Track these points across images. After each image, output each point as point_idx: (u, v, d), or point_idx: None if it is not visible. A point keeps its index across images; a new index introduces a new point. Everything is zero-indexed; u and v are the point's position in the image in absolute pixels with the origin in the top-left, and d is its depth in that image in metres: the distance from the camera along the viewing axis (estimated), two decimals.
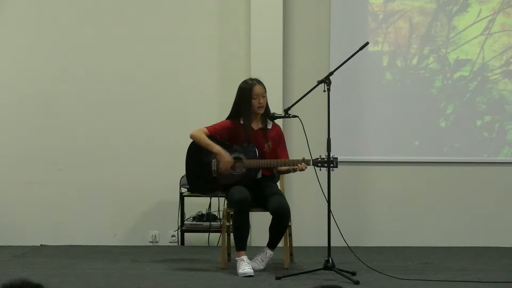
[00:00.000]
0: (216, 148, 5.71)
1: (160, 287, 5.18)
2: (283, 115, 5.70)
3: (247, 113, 5.76)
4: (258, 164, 5.70)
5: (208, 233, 7.10)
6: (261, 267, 5.71)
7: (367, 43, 5.57)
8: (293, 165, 5.63)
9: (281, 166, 5.74)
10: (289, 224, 5.77)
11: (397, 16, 7.28)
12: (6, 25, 7.38)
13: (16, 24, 7.36)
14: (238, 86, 5.85)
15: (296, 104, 5.65)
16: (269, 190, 5.73)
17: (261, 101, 5.73)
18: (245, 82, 5.83)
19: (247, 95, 5.73)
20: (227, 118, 5.87)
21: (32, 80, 7.34)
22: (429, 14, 7.28)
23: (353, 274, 5.39)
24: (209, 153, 5.76)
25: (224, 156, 5.69)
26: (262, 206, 5.73)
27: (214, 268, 5.83)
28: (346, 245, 5.60)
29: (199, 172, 5.80)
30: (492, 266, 6.05)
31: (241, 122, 5.79)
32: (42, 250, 6.97)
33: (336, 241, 5.67)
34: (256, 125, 5.83)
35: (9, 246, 7.10)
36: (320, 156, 5.53)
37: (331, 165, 5.45)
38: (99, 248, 6.98)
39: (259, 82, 5.78)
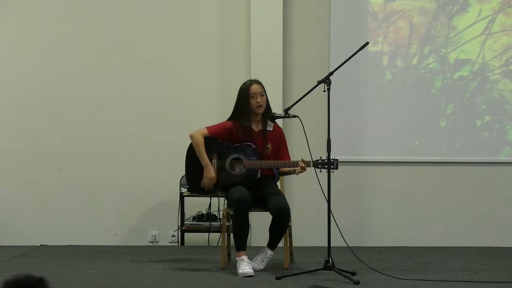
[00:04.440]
0: (205, 162, 5.73)
1: (160, 287, 5.18)
2: (283, 115, 5.70)
3: (246, 113, 5.77)
4: (258, 164, 5.71)
5: (208, 233, 7.11)
6: (261, 267, 5.71)
7: (367, 43, 5.56)
8: (293, 166, 5.63)
9: (280, 167, 5.74)
10: (289, 224, 5.77)
11: (397, 16, 7.28)
12: (6, 25, 7.38)
13: (16, 24, 7.37)
14: (239, 87, 5.87)
15: (296, 104, 5.65)
16: (269, 190, 5.73)
17: (259, 100, 5.74)
18: (243, 83, 5.87)
19: (245, 94, 5.76)
20: (228, 119, 5.87)
21: (32, 80, 7.34)
22: (429, 14, 7.28)
23: (353, 274, 5.39)
24: (209, 153, 5.76)
25: (210, 172, 5.71)
26: (262, 206, 5.73)
27: (214, 268, 5.83)
28: (346, 245, 5.59)
29: (199, 172, 5.80)
30: (492, 266, 6.05)
31: (241, 123, 5.79)
32: (42, 250, 6.97)
33: (336, 241, 5.67)
34: (256, 127, 5.84)
35: (9, 246, 7.10)
36: (320, 157, 5.53)
37: (331, 166, 5.45)
38: (99, 248, 6.99)
39: (256, 81, 5.81)
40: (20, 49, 7.38)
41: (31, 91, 7.34)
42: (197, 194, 6.49)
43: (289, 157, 5.87)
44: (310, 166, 5.58)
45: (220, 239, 6.18)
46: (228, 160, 5.75)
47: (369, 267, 5.57)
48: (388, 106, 7.28)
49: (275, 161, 5.74)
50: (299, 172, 5.60)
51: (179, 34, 7.35)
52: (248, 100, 5.75)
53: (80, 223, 7.30)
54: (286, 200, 5.69)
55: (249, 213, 5.67)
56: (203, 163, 5.74)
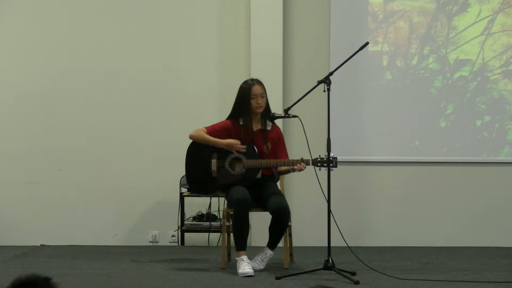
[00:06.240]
0: (223, 142, 5.72)
1: (160, 287, 5.18)
2: (283, 115, 5.70)
3: (246, 113, 5.76)
4: (258, 164, 5.70)
5: (208, 233, 7.11)
6: (261, 267, 5.71)
7: (367, 43, 5.57)
8: (292, 165, 5.63)
9: (280, 166, 5.75)
10: (289, 224, 5.77)
11: (397, 16, 7.28)
12: (6, 25, 7.38)
13: (16, 24, 7.36)
14: (238, 87, 5.86)
15: (296, 104, 5.65)
16: (269, 190, 5.73)
17: (259, 101, 5.73)
18: (245, 82, 5.85)
19: (246, 94, 5.75)
20: (227, 118, 5.87)
21: (32, 80, 7.34)
22: (429, 14, 7.28)
23: (353, 274, 5.39)
24: (209, 154, 5.76)
25: (233, 143, 5.70)
26: (262, 206, 5.73)
27: (214, 268, 5.83)
28: (346, 245, 5.60)
29: (199, 172, 5.80)
30: (492, 266, 6.05)
31: (241, 122, 5.79)
32: (42, 250, 6.97)
33: (336, 241, 5.67)
34: (255, 126, 5.83)
35: (9, 246, 7.10)
36: (319, 156, 5.53)
37: (331, 164, 5.45)
38: (99, 248, 6.99)
39: (258, 82, 5.79)
40: (20, 50, 7.38)
41: (31, 92, 7.34)
42: (197, 194, 6.50)
43: (287, 157, 5.86)
44: (310, 165, 5.58)
45: (220, 239, 6.19)
46: (228, 160, 5.75)
47: (369, 267, 5.57)
48: (388, 106, 7.28)
49: (275, 160, 5.74)
50: (300, 169, 5.60)
51: (179, 35, 7.34)
52: (248, 101, 5.74)
53: (80, 223, 7.30)
54: (286, 200, 5.70)
55: (249, 213, 5.68)
56: (221, 144, 5.72)
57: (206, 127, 5.81)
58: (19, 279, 2.36)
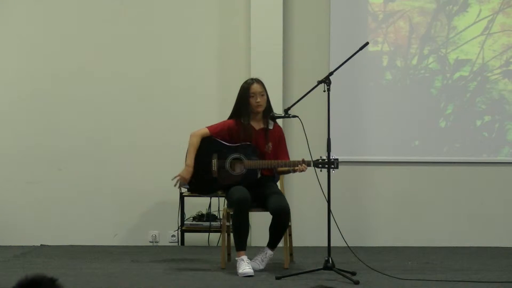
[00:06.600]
0: (188, 162, 5.77)
1: (160, 287, 5.18)
2: (283, 115, 5.71)
3: (246, 112, 5.78)
4: (258, 164, 5.71)
5: (208, 233, 7.11)
6: (261, 267, 5.71)
7: (367, 43, 5.57)
8: (293, 166, 5.64)
9: (281, 166, 5.75)
10: (289, 224, 5.77)
11: (397, 16, 7.28)
12: (7, 25, 7.38)
13: (17, 24, 7.37)
14: (239, 88, 5.87)
15: (296, 104, 5.65)
16: (269, 190, 5.73)
17: (259, 99, 5.74)
18: (245, 81, 5.88)
19: (245, 93, 5.77)
20: (229, 118, 5.88)
21: (32, 80, 7.34)
22: (429, 14, 7.28)
23: (353, 274, 5.39)
24: (209, 154, 5.76)
25: (188, 173, 5.75)
26: (262, 206, 5.73)
27: (214, 268, 5.83)
28: (346, 245, 5.60)
29: (199, 172, 5.80)
30: (492, 266, 6.05)
31: (242, 121, 5.80)
32: (42, 250, 6.97)
33: (336, 241, 5.67)
34: (257, 125, 5.84)
35: (9, 246, 7.10)
36: (321, 157, 5.54)
37: (332, 166, 5.45)
38: (99, 248, 6.99)
39: (257, 81, 5.81)
40: (20, 50, 7.38)
41: (31, 92, 7.34)
42: (197, 194, 6.50)
43: (288, 157, 5.86)
44: (311, 166, 5.58)
45: (220, 239, 6.19)
46: (229, 160, 5.76)
47: (369, 267, 5.57)
48: (388, 106, 7.28)
49: (276, 160, 5.74)
50: (301, 170, 5.60)
51: (179, 35, 7.34)
52: (248, 99, 5.76)
53: (80, 223, 7.30)
54: (286, 200, 5.70)
55: (249, 213, 5.68)
56: (186, 162, 5.78)
57: (208, 127, 5.82)
58: (25, 279, 2.38)
